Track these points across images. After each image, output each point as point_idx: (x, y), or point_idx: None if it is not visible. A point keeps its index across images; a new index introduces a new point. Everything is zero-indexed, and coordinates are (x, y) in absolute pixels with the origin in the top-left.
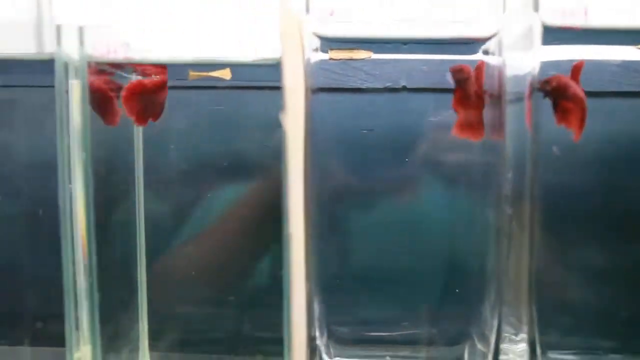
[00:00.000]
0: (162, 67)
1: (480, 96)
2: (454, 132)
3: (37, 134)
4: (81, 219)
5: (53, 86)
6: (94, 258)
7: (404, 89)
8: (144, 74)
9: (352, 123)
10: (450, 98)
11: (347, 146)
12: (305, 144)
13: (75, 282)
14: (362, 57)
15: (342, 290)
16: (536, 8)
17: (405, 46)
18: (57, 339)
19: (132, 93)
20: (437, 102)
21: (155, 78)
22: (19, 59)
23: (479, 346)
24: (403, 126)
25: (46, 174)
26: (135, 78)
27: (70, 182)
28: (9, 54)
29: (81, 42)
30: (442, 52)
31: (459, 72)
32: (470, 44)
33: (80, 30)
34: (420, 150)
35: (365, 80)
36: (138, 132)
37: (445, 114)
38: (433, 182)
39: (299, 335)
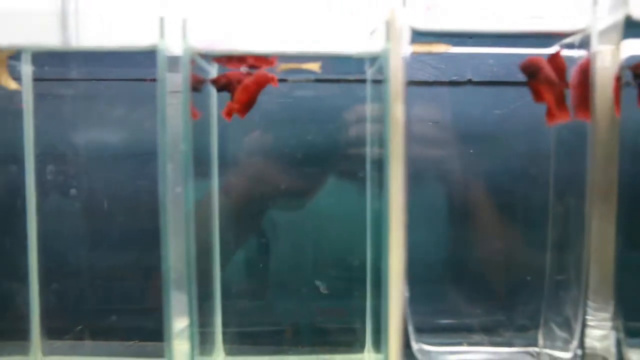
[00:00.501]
0: (268, 59)
1: (557, 84)
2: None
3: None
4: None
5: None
6: (193, 253)
7: (469, 82)
8: (251, 67)
9: (419, 115)
10: (515, 91)
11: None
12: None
13: (170, 275)
14: (442, 50)
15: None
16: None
17: (470, 40)
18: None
19: (256, 84)
20: (502, 95)
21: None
22: (116, 51)
23: (559, 332)
24: (468, 118)
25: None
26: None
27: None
28: (107, 46)
29: (184, 35)
30: (516, 45)
31: (528, 67)
32: (549, 38)
33: (184, 23)
34: (486, 141)
35: (431, 74)
36: (213, 125)
37: (510, 106)
38: (499, 174)
39: (395, 325)
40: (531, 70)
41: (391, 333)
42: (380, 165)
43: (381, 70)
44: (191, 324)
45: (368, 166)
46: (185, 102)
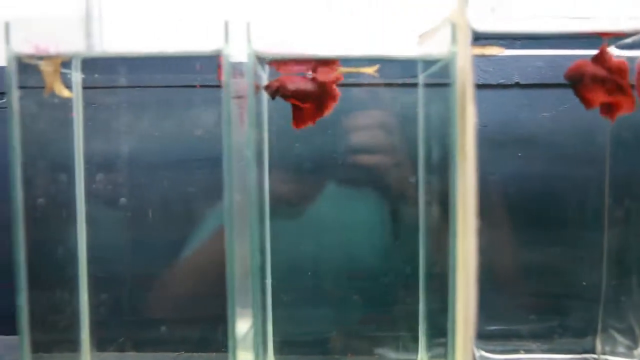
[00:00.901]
0: (327, 62)
1: (607, 78)
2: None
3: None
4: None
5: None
6: (258, 261)
7: (517, 85)
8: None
9: None
10: (563, 93)
11: None
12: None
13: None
14: (495, 53)
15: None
16: None
17: (518, 42)
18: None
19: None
20: (549, 97)
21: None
22: (180, 55)
23: (621, 338)
24: (516, 122)
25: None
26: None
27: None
28: (167, 51)
29: (248, 38)
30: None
31: (572, 75)
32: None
33: (248, 26)
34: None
35: (479, 77)
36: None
37: (558, 109)
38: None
39: (467, 332)
40: (575, 77)
41: (461, 341)
42: (440, 169)
43: (440, 74)
44: (256, 334)
45: (420, 170)
46: (251, 107)
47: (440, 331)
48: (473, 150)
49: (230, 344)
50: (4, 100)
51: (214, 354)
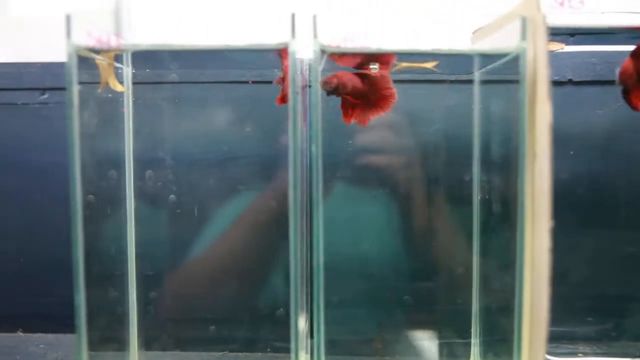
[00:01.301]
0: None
1: None
2: None
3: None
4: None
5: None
6: (321, 260)
7: (570, 82)
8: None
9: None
10: (617, 90)
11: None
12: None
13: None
14: (555, 49)
15: None
16: None
17: (572, 38)
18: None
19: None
20: (603, 94)
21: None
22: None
23: None
24: (570, 119)
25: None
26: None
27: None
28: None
29: (315, 32)
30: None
31: (621, 81)
32: None
33: (315, 19)
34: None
35: None
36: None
37: (612, 106)
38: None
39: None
40: (622, 82)
41: (527, 344)
42: (504, 168)
43: (503, 70)
44: (317, 333)
45: (476, 169)
46: (315, 103)
47: (498, 333)
48: (548, 148)
49: (292, 345)
50: (45, 97)
51: (259, 353)
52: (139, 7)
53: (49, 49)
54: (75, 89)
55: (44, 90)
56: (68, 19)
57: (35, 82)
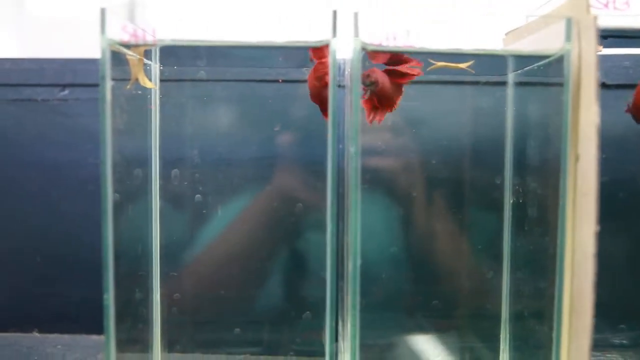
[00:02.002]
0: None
1: None
2: None
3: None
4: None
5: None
6: (358, 261)
7: (603, 85)
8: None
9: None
10: None
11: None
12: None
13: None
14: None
15: None
16: None
17: (605, 40)
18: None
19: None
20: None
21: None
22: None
23: None
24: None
25: None
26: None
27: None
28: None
29: (356, 30)
30: None
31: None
32: None
33: (356, 17)
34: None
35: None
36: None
37: None
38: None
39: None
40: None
41: (566, 351)
42: (542, 171)
43: (543, 71)
44: (353, 337)
45: (508, 172)
46: (357, 102)
47: (530, 340)
48: (595, 151)
49: (327, 348)
50: (64, 93)
51: (282, 357)
52: (164, 3)
53: (70, 45)
54: (108, 84)
55: (63, 86)
56: (103, 12)
57: (56, 78)
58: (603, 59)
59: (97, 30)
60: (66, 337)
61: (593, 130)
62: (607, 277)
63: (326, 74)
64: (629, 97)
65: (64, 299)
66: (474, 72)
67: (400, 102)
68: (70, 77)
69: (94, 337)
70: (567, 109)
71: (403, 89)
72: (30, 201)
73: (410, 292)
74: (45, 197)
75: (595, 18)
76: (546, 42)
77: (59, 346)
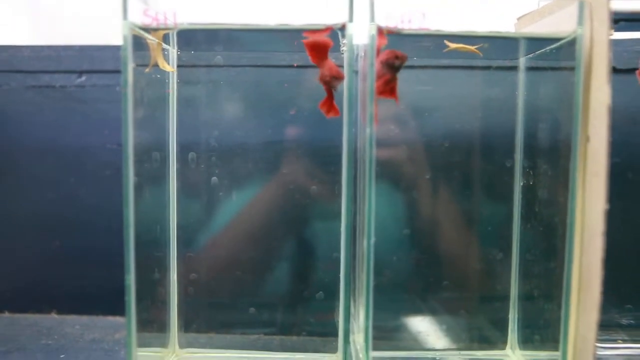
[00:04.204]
0: None
1: None
2: None
3: None
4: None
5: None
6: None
7: (614, 69)
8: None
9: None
10: None
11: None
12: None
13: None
14: None
15: None
16: None
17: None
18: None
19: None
20: None
21: None
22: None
23: None
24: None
25: None
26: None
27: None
28: (291, 24)
29: (372, 14)
30: None
31: None
32: None
33: (372, 1)
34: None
35: None
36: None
37: None
38: None
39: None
40: None
41: (573, 330)
42: (554, 153)
43: (557, 55)
44: (367, 318)
45: (518, 155)
46: (372, 86)
47: (539, 319)
48: (607, 131)
49: (341, 327)
50: (82, 79)
51: (295, 337)
52: None
53: (87, 31)
54: (130, 67)
55: (80, 73)
56: None
57: (73, 64)
58: (614, 44)
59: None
60: (84, 318)
61: (604, 110)
62: (615, 257)
63: (331, 75)
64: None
65: (82, 281)
66: (482, 55)
67: (413, 86)
68: (87, 64)
69: (110, 318)
70: (579, 90)
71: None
72: (48, 186)
73: (420, 274)
74: (62, 182)
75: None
76: (559, 25)
77: (77, 326)
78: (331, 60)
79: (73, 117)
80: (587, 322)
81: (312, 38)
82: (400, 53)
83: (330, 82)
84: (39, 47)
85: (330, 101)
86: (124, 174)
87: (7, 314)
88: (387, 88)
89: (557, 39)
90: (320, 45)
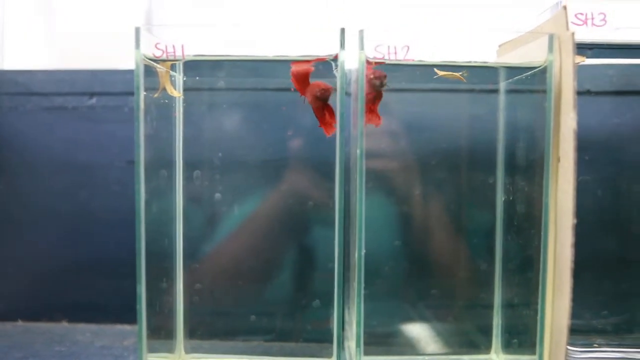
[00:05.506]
0: None
1: None
2: None
3: None
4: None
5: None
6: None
7: (588, 92)
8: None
9: None
10: (633, 101)
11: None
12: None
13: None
14: (577, 62)
15: None
16: None
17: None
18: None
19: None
20: (620, 105)
21: None
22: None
23: None
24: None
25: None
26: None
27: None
28: (281, 55)
29: (361, 44)
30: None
31: None
32: None
33: (361, 33)
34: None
35: None
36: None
37: (628, 115)
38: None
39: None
40: None
41: (549, 335)
42: (528, 170)
43: (530, 81)
44: (358, 324)
45: (500, 173)
46: (361, 110)
47: (519, 325)
48: (573, 153)
49: (335, 334)
50: (92, 101)
51: (293, 343)
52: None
53: (98, 57)
54: (142, 93)
55: (91, 95)
56: (137, 31)
57: (85, 87)
58: (588, 69)
59: (118, 42)
60: (93, 326)
61: (572, 134)
62: (591, 267)
63: (320, 88)
64: (613, 103)
65: (91, 291)
66: (465, 81)
67: (403, 108)
68: (98, 87)
69: (118, 326)
70: (550, 115)
71: None
72: (61, 200)
73: (410, 282)
74: (74, 197)
75: (573, 34)
76: (533, 54)
77: (87, 334)
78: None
79: (84, 136)
80: (560, 325)
81: (294, 68)
82: (379, 73)
83: (322, 95)
84: (52, 72)
85: (329, 116)
86: (135, 189)
87: (20, 323)
88: (372, 109)
89: (531, 68)
90: (302, 74)
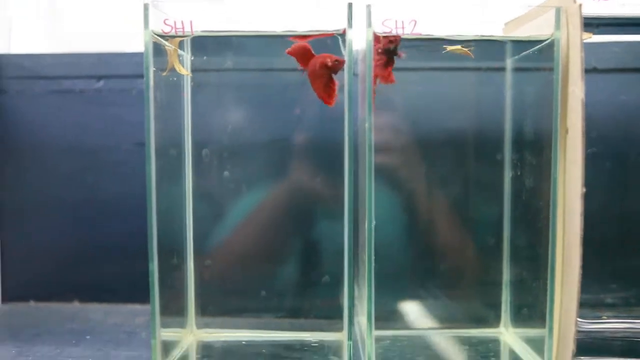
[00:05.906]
0: None
1: None
2: None
3: None
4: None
5: None
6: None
7: (595, 70)
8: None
9: None
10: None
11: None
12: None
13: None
14: (584, 38)
15: None
16: None
17: (597, 28)
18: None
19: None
20: (626, 81)
21: None
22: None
23: None
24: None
25: None
26: None
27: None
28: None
29: (369, 20)
30: None
31: None
32: None
33: (369, 9)
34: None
35: None
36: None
37: (634, 92)
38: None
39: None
40: None
41: (558, 309)
42: (537, 145)
43: (538, 56)
44: (369, 301)
45: (508, 149)
46: (370, 86)
47: (529, 299)
48: (581, 123)
49: (345, 310)
50: (99, 84)
51: (303, 319)
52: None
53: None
54: (151, 71)
55: (99, 78)
56: (146, 7)
57: (92, 70)
58: (595, 46)
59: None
60: (104, 306)
61: (579, 104)
62: (599, 241)
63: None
64: (619, 80)
65: (101, 271)
66: (473, 56)
67: (409, 87)
68: (104, 70)
69: (129, 305)
70: (557, 87)
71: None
72: (69, 183)
73: (421, 260)
74: (82, 179)
75: (580, 6)
76: (540, 29)
77: (99, 313)
78: None
79: (92, 119)
80: (569, 295)
81: (291, 48)
82: (393, 37)
83: (334, 66)
84: (60, 55)
85: (332, 88)
86: (146, 169)
87: (32, 303)
88: (385, 72)
89: (539, 41)
90: (302, 50)
